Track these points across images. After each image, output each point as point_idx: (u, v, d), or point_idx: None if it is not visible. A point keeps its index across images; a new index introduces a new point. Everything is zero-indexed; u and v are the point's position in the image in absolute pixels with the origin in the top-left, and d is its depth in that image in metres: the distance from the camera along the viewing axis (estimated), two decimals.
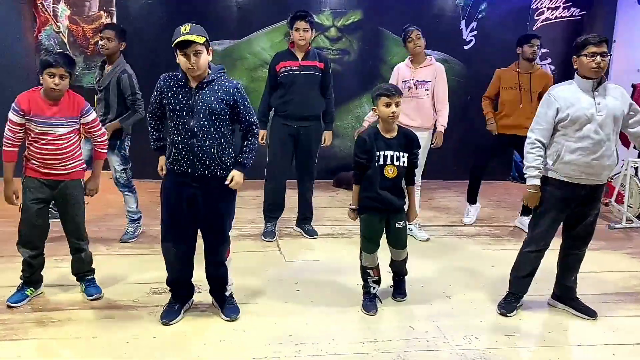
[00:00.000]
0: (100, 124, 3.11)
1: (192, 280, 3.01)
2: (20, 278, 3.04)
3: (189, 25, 2.59)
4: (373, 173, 3.00)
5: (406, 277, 3.32)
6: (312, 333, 2.87)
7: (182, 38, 2.54)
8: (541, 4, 6.67)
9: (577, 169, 2.92)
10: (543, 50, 6.42)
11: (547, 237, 3.08)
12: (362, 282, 3.19)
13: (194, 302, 3.09)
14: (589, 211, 3.04)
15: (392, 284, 3.34)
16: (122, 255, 3.84)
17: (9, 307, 2.94)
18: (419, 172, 4.17)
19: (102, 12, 6.08)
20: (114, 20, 5.92)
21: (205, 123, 2.66)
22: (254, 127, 2.81)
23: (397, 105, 2.96)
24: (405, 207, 3.14)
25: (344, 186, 6.02)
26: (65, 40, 6.09)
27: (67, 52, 2.82)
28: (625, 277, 3.83)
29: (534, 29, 6.78)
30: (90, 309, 3.02)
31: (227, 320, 2.93)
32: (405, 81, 4.29)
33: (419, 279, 3.57)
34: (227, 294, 2.98)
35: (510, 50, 6.25)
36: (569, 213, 3.05)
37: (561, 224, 3.12)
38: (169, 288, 2.96)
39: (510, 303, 3.19)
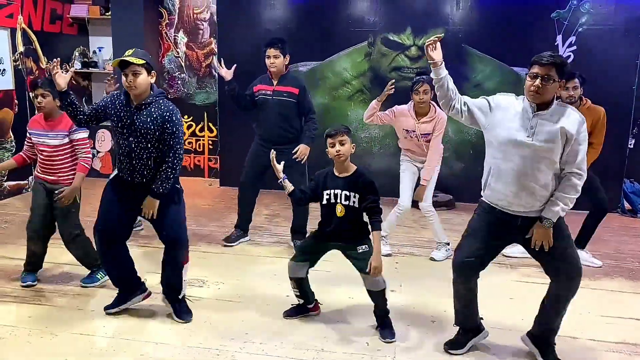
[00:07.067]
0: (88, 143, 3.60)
1: (132, 276, 3.26)
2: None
3: (133, 50, 2.92)
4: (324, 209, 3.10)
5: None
6: (261, 333, 3.05)
7: (120, 58, 2.85)
8: None
9: (502, 196, 2.68)
10: None
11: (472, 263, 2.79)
12: None
13: (148, 295, 3.32)
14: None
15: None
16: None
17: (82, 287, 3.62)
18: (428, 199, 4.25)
19: (212, 39, 6.91)
20: (216, 47, 6.69)
21: (142, 140, 2.94)
22: (171, 154, 2.96)
23: (341, 143, 2.97)
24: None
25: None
26: (182, 64, 7.05)
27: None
28: None
29: None
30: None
31: (180, 322, 3.15)
32: (407, 130, 4.22)
33: (425, 301, 3.51)
34: (179, 296, 3.22)
35: (617, 66, 5.66)
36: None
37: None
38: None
39: (457, 341, 2.94)
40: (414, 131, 4.18)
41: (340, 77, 6.28)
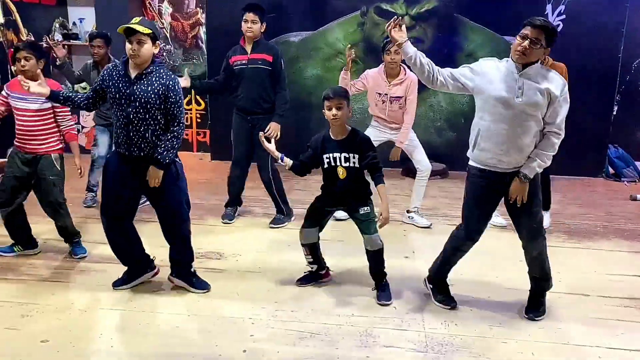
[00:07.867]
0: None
1: (141, 254, 3.24)
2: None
3: (140, 18, 2.89)
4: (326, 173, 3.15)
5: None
6: (289, 301, 3.11)
7: (127, 25, 2.81)
8: None
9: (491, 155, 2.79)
10: None
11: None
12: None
13: (157, 272, 3.32)
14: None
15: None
16: None
17: None
18: (422, 160, 4.37)
19: (198, 8, 6.74)
20: (204, 17, 6.55)
21: (141, 110, 2.88)
22: (176, 123, 2.94)
23: (338, 108, 2.98)
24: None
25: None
26: (168, 35, 6.87)
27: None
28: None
29: None
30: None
31: (201, 293, 3.18)
32: (379, 93, 4.28)
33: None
34: (192, 270, 3.23)
35: (604, 35, 5.81)
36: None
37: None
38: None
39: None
40: (386, 94, 4.25)
41: (333, 48, 6.25)
